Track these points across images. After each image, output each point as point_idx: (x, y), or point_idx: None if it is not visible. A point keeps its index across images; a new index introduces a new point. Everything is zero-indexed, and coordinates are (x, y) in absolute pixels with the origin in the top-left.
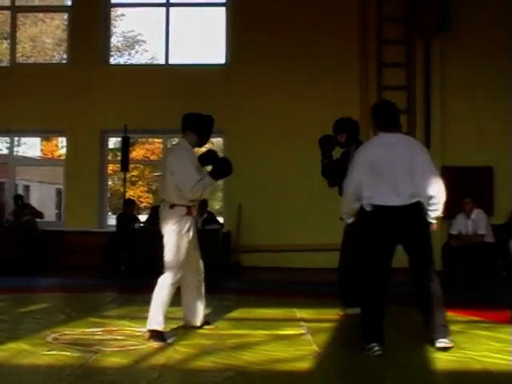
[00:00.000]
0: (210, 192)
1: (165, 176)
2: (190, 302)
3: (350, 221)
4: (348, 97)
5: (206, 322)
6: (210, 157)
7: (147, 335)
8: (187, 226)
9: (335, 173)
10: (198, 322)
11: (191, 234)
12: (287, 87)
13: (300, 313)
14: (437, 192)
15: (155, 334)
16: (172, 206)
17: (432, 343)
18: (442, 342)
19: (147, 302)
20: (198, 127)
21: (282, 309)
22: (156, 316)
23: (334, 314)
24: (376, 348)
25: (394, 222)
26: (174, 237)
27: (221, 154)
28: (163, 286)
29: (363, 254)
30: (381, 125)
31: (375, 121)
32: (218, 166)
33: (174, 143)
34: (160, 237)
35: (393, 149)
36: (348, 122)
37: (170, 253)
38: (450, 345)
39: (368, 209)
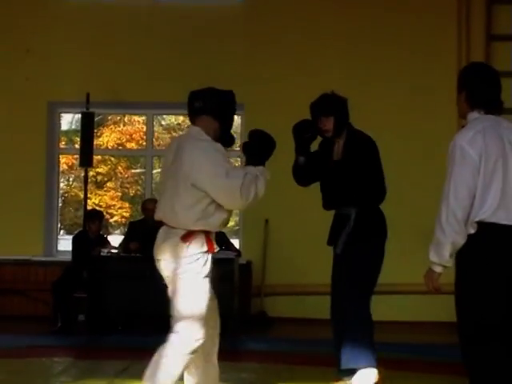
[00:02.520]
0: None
1: (175, 188)
2: (201, 372)
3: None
4: (440, 48)
5: None
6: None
7: None
8: (208, 263)
9: (311, 173)
10: None
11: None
12: (338, 31)
13: None
14: None
15: None
16: (186, 235)
17: None
18: None
19: (120, 372)
20: (219, 109)
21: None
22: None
23: None
24: None
25: None
26: (192, 281)
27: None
28: (174, 356)
29: (466, 306)
30: (479, 101)
31: (470, 93)
32: (258, 144)
33: (181, 134)
34: (147, 272)
35: (501, 139)
36: (336, 101)
37: (185, 305)
38: None
39: (473, 231)
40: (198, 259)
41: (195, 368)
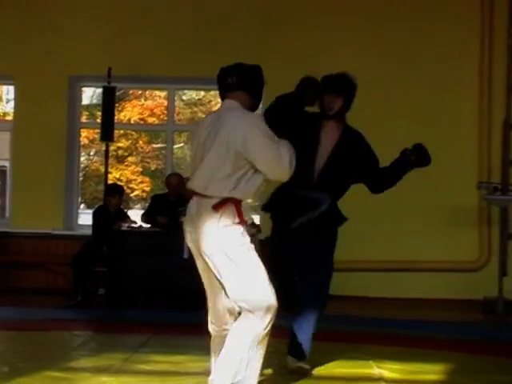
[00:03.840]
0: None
1: (216, 158)
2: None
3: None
4: (462, 43)
5: None
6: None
7: None
8: (246, 235)
9: (284, 123)
10: None
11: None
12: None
13: (380, 369)
14: None
15: None
16: (218, 204)
17: None
18: None
19: (139, 346)
20: (252, 84)
21: (354, 361)
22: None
23: (432, 372)
24: None
25: None
26: (246, 252)
27: None
28: (248, 338)
29: None
30: None
31: None
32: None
33: (216, 110)
34: (167, 246)
35: None
36: (352, 84)
37: (246, 280)
38: None
39: None
40: (233, 230)
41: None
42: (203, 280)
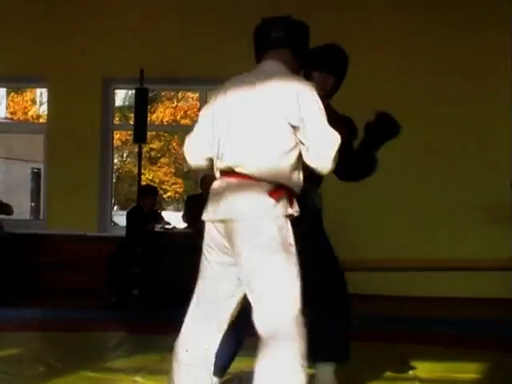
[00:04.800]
0: None
1: (261, 129)
2: None
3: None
4: (493, 42)
5: None
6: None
7: None
8: (290, 229)
9: None
10: None
11: None
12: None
13: (417, 369)
14: None
15: None
16: (276, 189)
17: None
18: None
19: (173, 346)
20: (300, 43)
21: (387, 361)
22: None
23: (471, 371)
24: None
25: None
26: (284, 252)
27: None
28: (288, 362)
29: None
30: None
31: None
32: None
33: (258, 69)
34: (200, 246)
35: None
36: (346, 59)
37: (281, 287)
38: None
39: None
40: (285, 224)
41: None
42: (208, 282)
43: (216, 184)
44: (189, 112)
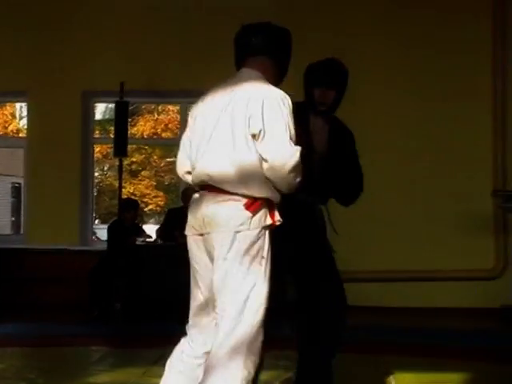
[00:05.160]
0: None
1: (231, 142)
2: None
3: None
4: (475, 56)
5: None
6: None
7: None
8: (267, 241)
9: None
10: None
11: None
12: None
13: (396, 381)
14: None
15: None
16: (252, 202)
17: None
18: None
19: (156, 360)
20: (281, 50)
21: (368, 372)
22: None
23: (451, 381)
24: None
25: None
26: (258, 268)
27: None
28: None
29: None
30: None
31: None
32: None
33: (229, 80)
34: (183, 259)
35: None
36: (346, 72)
37: (241, 297)
38: None
39: None
40: (262, 236)
41: None
42: (201, 289)
43: (194, 197)
44: (170, 125)
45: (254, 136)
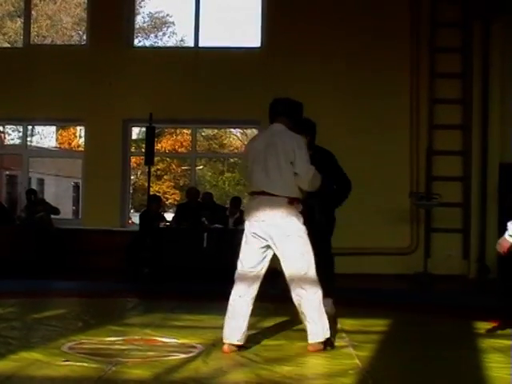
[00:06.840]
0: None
1: (278, 165)
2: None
3: None
4: (397, 83)
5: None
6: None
7: (317, 346)
8: (302, 219)
9: None
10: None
11: None
12: (330, 74)
13: (341, 323)
14: None
15: (328, 342)
16: (293, 199)
17: None
18: None
19: (173, 309)
20: (293, 113)
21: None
22: (326, 323)
23: (379, 325)
24: None
25: None
26: (306, 239)
27: None
28: (318, 299)
29: None
30: None
31: None
32: None
33: (265, 130)
34: (192, 237)
35: None
36: (311, 123)
37: (307, 261)
38: None
39: None
40: (301, 217)
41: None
42: (249, 255)
43: (252, 200)
44: (184, 143)
45: (291, 162)
